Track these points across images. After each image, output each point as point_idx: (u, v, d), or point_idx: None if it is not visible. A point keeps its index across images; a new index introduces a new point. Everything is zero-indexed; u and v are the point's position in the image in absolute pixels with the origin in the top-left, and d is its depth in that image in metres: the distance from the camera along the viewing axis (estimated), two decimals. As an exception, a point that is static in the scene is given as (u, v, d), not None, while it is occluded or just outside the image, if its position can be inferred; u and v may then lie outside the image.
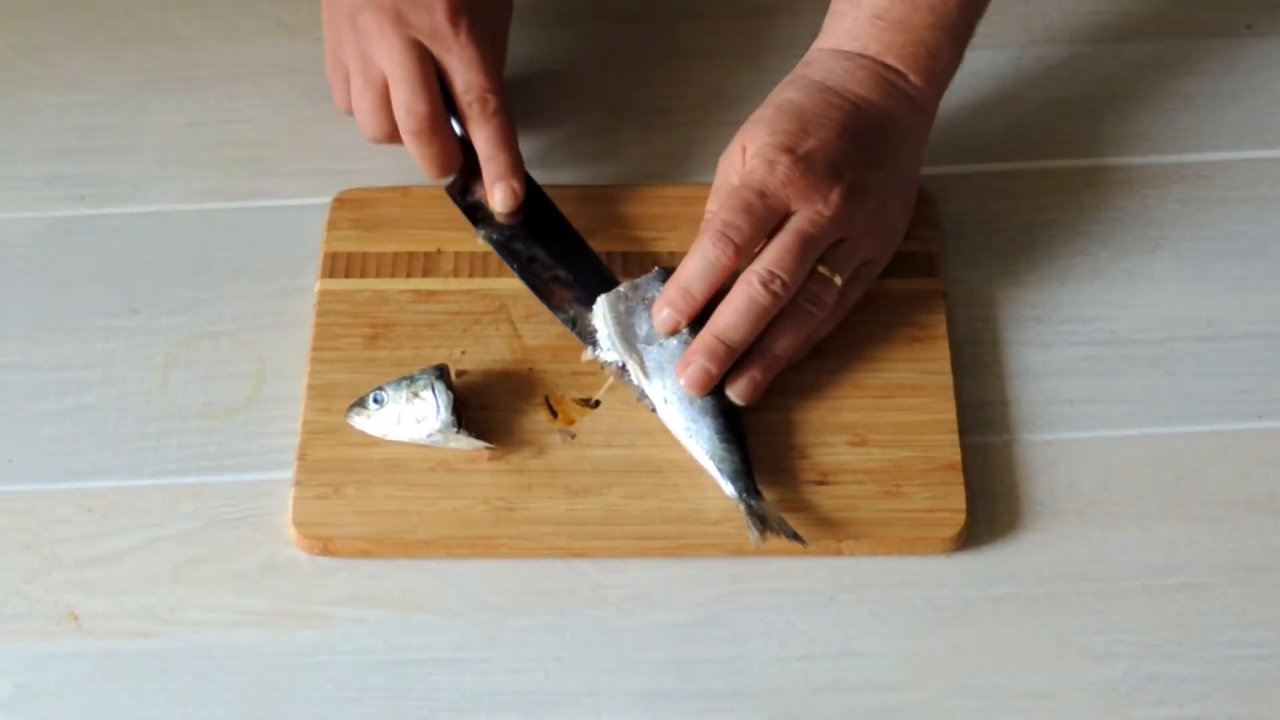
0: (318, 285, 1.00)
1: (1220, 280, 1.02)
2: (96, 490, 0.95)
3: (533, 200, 1.00)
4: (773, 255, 0.92)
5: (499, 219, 1.00)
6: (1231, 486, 0.95)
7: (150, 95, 1.11)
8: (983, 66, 1.11)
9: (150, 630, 0.91)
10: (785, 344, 0.94)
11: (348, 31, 0.99)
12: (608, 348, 0.96)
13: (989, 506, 0.94)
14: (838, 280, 0.94)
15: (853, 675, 0.90)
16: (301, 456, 0.94)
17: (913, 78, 0.97)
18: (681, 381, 0.93)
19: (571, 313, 0.98)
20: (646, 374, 0.94)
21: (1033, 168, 1.07)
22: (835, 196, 0.92)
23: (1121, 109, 1.10)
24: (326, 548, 0.92)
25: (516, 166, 0.99)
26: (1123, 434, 0.97)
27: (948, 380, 0.97)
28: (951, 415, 0.96)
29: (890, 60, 0.97)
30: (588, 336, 0.97)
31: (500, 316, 0.99)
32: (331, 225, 1.03)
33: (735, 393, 0.93)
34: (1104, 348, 1.00)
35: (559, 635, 0.91)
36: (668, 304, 0.94)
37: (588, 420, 0.96)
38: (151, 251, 1.04)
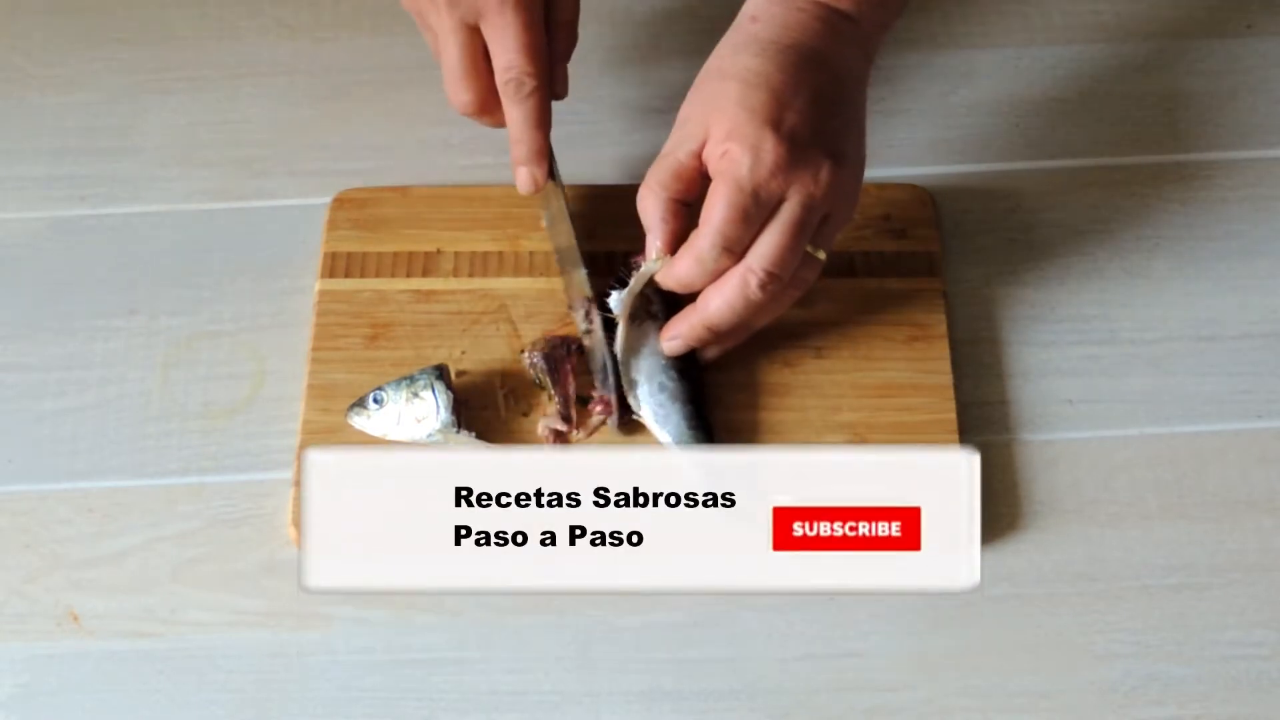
0: (318, 285, 1.00)
1: (1220, 280, 1.02)
2: (96, 490, 0.95)
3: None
4: (772, 253, 0.89)
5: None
6: (1231, 486, 0.95)
7: (150, 95, 1.11)
8: (983, 66, 1.11)
9: (150, 630, 0.91)
10: (762, 321, 0.94)
11: (413, 12, 0.98)
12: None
13: (989, 506, 0.94)
14: (821, 256, 0.92)
15: (853, 675, 0.89)
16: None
17: (864, 24, 0.93)
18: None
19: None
20: (621, 351, 0.94)
21: (1033, 168, 1.07)
22: (825, 174, 0.88)
23: (1121, 109, 1.10)
24: (326, 548, 0.92)
25: (542, 153, 0.97)
26: (1123, 434, 0.97)
27: (948, 380, 0.97)
28: (951, 415, 0.96)
29: (841, 5, 0.92)
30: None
31: (500, 316, 0.99)
32: (331, 225, 1.03)
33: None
34: (1104, 348, 1.00)
35: (559, 635, 0.91)
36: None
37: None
38: (151, 251, 1.04)
